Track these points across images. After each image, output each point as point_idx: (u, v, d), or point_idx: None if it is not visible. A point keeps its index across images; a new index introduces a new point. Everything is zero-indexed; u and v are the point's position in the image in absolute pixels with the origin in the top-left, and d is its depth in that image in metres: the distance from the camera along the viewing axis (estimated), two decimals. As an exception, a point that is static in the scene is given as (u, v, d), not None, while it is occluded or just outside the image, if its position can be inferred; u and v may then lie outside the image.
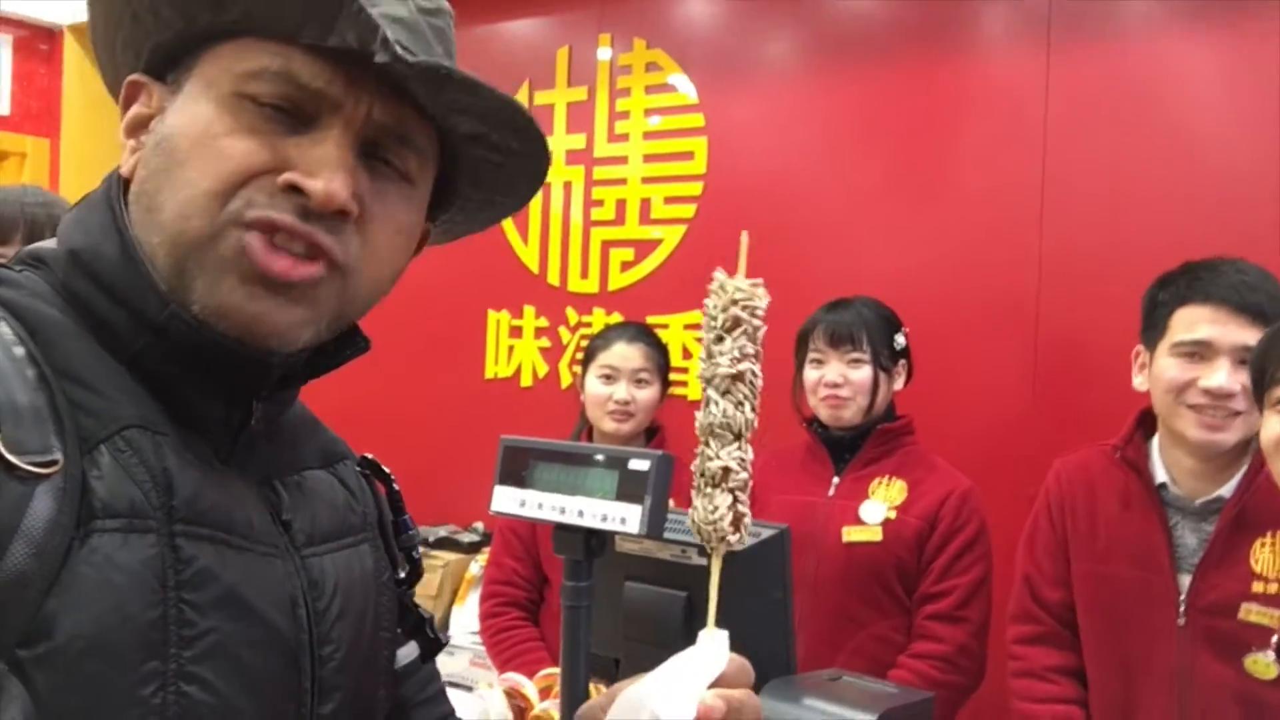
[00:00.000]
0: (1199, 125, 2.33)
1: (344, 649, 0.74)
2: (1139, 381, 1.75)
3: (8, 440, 0.57)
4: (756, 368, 0.78)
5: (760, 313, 0.77)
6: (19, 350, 0.62)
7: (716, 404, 0.77)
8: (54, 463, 0.59)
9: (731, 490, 0.77)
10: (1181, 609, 1.64)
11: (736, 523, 0.77)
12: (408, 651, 0.85)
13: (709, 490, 0.78)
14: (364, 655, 0.77)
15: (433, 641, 0.87)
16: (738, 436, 0.77)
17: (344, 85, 0.67)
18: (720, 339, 0.77)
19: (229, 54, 0.68)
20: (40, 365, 0.62)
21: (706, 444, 0.78)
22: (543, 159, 0.77)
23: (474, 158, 0.76)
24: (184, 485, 0.64)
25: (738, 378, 0.77)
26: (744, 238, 0.79)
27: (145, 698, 0.60)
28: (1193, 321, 1.63)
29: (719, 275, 0.78)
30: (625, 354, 2.30)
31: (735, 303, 0.77)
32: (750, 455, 0.78)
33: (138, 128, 0.72)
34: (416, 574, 0.86)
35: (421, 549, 0.91)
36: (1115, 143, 2.41)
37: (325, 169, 0.66)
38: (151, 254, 0.67)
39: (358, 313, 0.74)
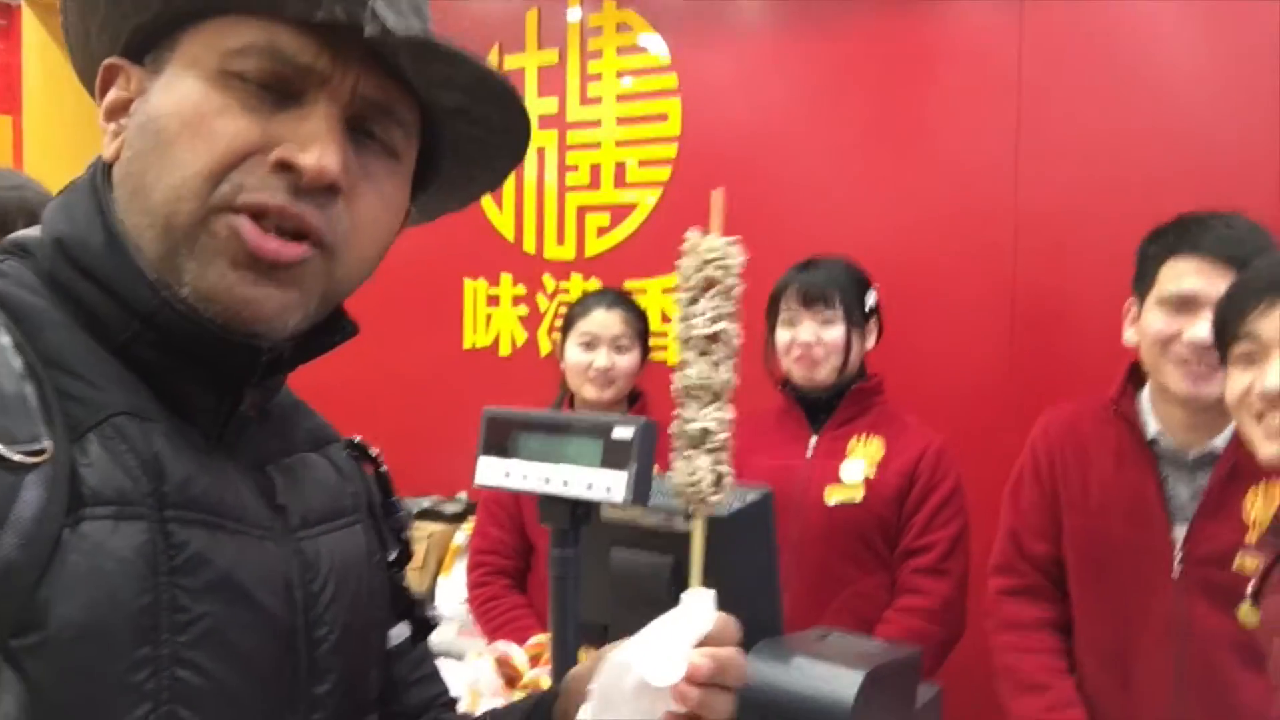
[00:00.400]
0: (1173, 76, 2.33)
1: (337, 631, 0.74)
2: (1129, 334, 1.75)
3: None
4: (734, 327, 0.77)
5: (736, 271, 0.77)
6: (4, 339, 0.62)
7: (693, 365, 0.77)
8: (42, 451, 0.59)
9: (711, 451, 0.77)
10: (1177, 560, 1.66)
11: (717, 483, 0.77)
12: (399, 631, 0.86)
13: (688, 453, 0.77)
14: (357, 637, 0.77)
15: (424, 622, 0.88)
16: (716, 397, 0.77)
17: (330, 60, 0.67)
18: (695, 299, 0.77)
19: (212, 32, 0.67)
20: (26, 354, 0.62)
21: (685, 406, 0.77)
22: (524, 133, 0.77)
23: (457, 133, 0.76)
24: (176, 471, 0.64)
25: (714, 338, 0.76)
26: (717, 195, 0.78)
27: (139, 683, 0.60)
28: (1179, 274, 1.63)
29: (692, 234, 0.78)
30: (604, 321, 2.30)
31: (709, 262, 0.76)
32: (730, 415, 0.78)
33: (118, 111, 0.71)
34: (407, 555, 0.87)
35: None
36: (1089, 95, 2.41)
37: (316, 143, 0.66)
38: (139, 238, 0.67)
39: (345, 293, 0.74)
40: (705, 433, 0.77)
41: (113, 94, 0.72)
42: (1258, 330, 1.27)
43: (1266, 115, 2.23)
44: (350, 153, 0.68)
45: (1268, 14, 2.23)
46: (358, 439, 0.88)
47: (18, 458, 0.57)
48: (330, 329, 0.76)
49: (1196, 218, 1.67)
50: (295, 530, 0.74)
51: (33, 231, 0.71)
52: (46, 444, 0.59)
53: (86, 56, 0.75)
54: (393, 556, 0.85)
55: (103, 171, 0.70)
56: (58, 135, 3.91)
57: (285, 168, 0.65)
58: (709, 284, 0.77)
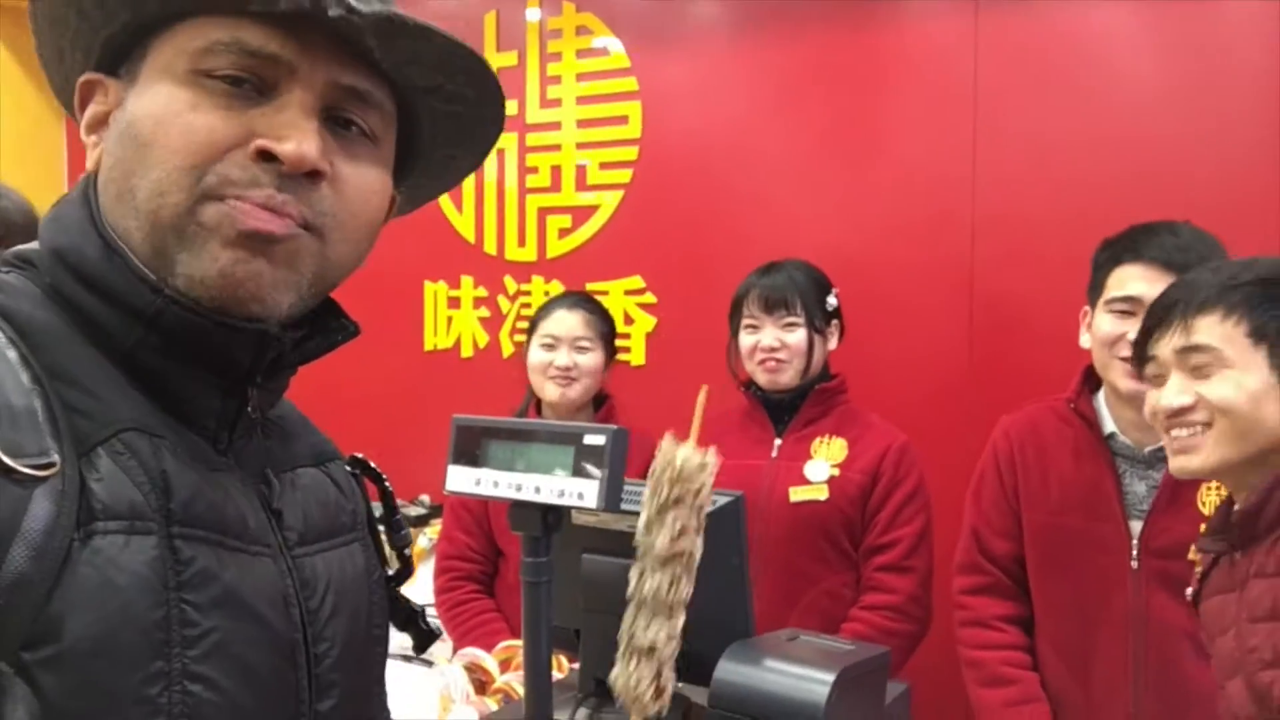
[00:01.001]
0: (1127, 82, 2.38)
1: (338, 646, 0.75)
2: (1085, 338, 1.82)
3: (5, 444, 0.58)
4: (697, 542, 0.79)
5: (707, 489, 0.78)
6: (11, 354, 0.62)
7: (650, 578, 0.78)
8: (51, 465, 0.59)
9: (657, 664, 0.78)
10: (1134, 553, 1.72)
11: (659, 694, 0.78)
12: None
13: (634, 659, 0.78)
14: (358, 653, 0.78)
15: (426, 633, 0.88)
16: (670, 613, 0.78)
17: (296, 48, 0.68)
18: (662, 510, 0.78)
19: (180, 36, 0.68)
20: (33, 368, 0.62)
21: (636, 613, 0.78)
22: (499, 103, 0.79)
23: (433, 112, 0.77)
24: (181, 488, 0.65)
25: (675, 556, 0.77)
26: (702, 394, 0.79)
27: (152, 697, 0.60)
28: (1124, 280, 1.72)
29: (668, 442, 0.78)
30: (565, 321, 2.30)
31: (681, 479, 0.77)
32: (680, 626, 0.79)
33: (98, 124, 0.72)
34: (407, 572, 0.88)
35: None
36: (1045, 102, 2.45)
37: (292, 132, 0.67)
38: (129, 240, 0.67)
39: (337, 277, 0.74)
40: (652, 648, 0.78)
41: (92, 108, 0.72)
42: (1158, 353, 1.35)
43: (1219, 121, 2.28)
44: (329, 139, 0.70)
45: (1219, 21, 2.28)
46: (360, 455, 0.89)
47: (27, 471, 0.58)
48: (333, 329, 0.77)
49: (1144, 227, 1.75)
50: (293, 548, 0.74)
51: (33, 245, 0.72)
52: (55, 458, 0.59)
53: (62, 75, 0.76)
54: (392, 572, 0.86)
55: (93, 183, 0.71)
56: (32, 142, 3.84)
57: (266, 156, 0.66)
58: (678, 500, 0.78)
